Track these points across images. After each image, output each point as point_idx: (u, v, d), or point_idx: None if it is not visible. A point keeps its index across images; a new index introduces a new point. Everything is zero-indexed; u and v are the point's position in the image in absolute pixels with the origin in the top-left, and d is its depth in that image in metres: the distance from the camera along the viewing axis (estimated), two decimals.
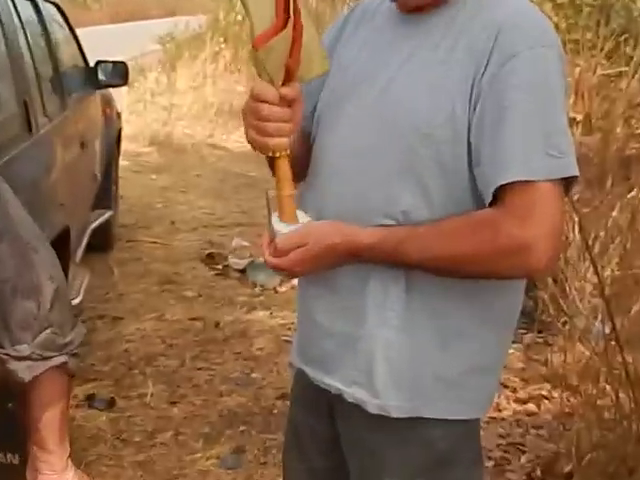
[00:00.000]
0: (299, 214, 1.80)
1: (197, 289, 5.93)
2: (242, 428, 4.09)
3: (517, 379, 4.58)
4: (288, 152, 1.77)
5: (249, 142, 1.77)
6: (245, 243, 6.72)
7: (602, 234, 5.06)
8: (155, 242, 6.97)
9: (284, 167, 1.77)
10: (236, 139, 11.23)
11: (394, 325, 1.78)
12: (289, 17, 1.68)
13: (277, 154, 1.76)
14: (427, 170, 1.72)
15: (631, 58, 8.34)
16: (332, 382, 1.90)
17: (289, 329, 5.15)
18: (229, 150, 10.90)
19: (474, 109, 1.68)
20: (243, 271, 6.21)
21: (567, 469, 3.55)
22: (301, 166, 1.89)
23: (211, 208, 8.15)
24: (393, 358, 1.79)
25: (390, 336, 1.78)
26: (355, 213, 1.78)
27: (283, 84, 1.73)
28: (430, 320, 1.78)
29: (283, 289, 5.91)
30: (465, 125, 1.69)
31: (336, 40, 1.97)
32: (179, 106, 12.54)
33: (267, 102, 1.71)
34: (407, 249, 1.71)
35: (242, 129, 1.78)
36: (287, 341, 4.96)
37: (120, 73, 6.07)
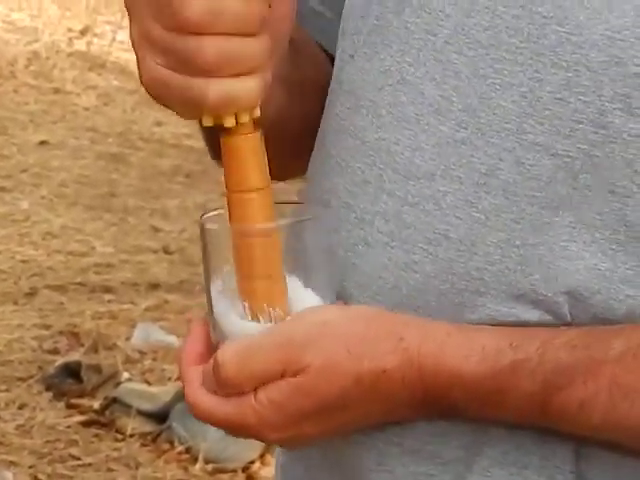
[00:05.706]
0: (293, 284, 0.86)
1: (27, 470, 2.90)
2: None
3: None
4: (258, 114, 0.84)
5: (149, 84, 0.85)
6: (166, 337, 3.53)
7: None
8: None
9: (251, 156, 0.85)
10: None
11: None
12: None
13: (229, 121, 0.84)
14: None
15: None
16: None
17: None
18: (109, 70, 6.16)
19: None
20: (161, 418, 3.15)
21: None
22: (291, 144, 1.01)
23: (71, 236, 4.36)
24: None
25: None
26: (442, 286, 0.91)
27: None
28: None
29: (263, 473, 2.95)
30: None
31: None
32: None
33: None
34: (577, 395, 0.87)
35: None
36: None
37: None
